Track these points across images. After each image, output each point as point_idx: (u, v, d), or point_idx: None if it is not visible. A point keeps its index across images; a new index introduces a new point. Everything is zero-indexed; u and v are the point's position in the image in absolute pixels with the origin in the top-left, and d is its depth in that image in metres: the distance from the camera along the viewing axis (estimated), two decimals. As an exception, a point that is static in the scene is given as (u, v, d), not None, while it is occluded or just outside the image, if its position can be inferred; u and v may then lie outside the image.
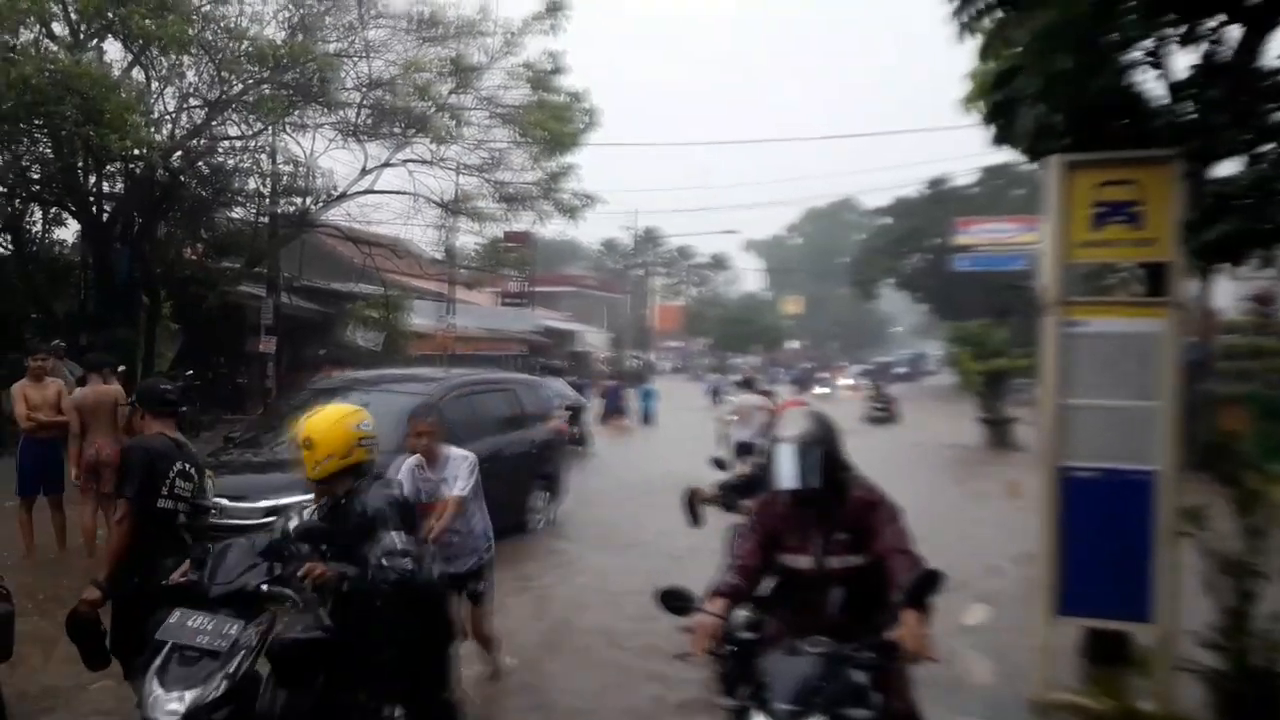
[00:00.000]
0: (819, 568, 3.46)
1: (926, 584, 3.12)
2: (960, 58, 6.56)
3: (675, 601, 3.45)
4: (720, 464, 5.65)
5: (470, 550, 5.45)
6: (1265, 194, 4.03)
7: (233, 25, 15.92)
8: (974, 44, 5.29)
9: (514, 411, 10.91)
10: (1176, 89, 4.61)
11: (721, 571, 3.53)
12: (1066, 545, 5.07)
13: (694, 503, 5.50)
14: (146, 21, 13.82)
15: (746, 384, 19.01)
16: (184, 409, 4.81)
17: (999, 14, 4.98)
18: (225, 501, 7.33)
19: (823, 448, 3.46)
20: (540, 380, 12.99)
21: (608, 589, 8.28)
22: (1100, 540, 4.99)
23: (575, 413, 19.65)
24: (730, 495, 5.51)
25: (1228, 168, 4.77)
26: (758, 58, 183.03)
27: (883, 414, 26.58)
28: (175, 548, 4.28)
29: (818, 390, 34.73)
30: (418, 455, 5.45)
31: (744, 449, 16.51)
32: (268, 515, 7.18)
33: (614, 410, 24.95)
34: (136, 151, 14.45)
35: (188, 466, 4.49)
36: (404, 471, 5.33)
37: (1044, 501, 5.12)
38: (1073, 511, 5.05)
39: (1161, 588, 4.84)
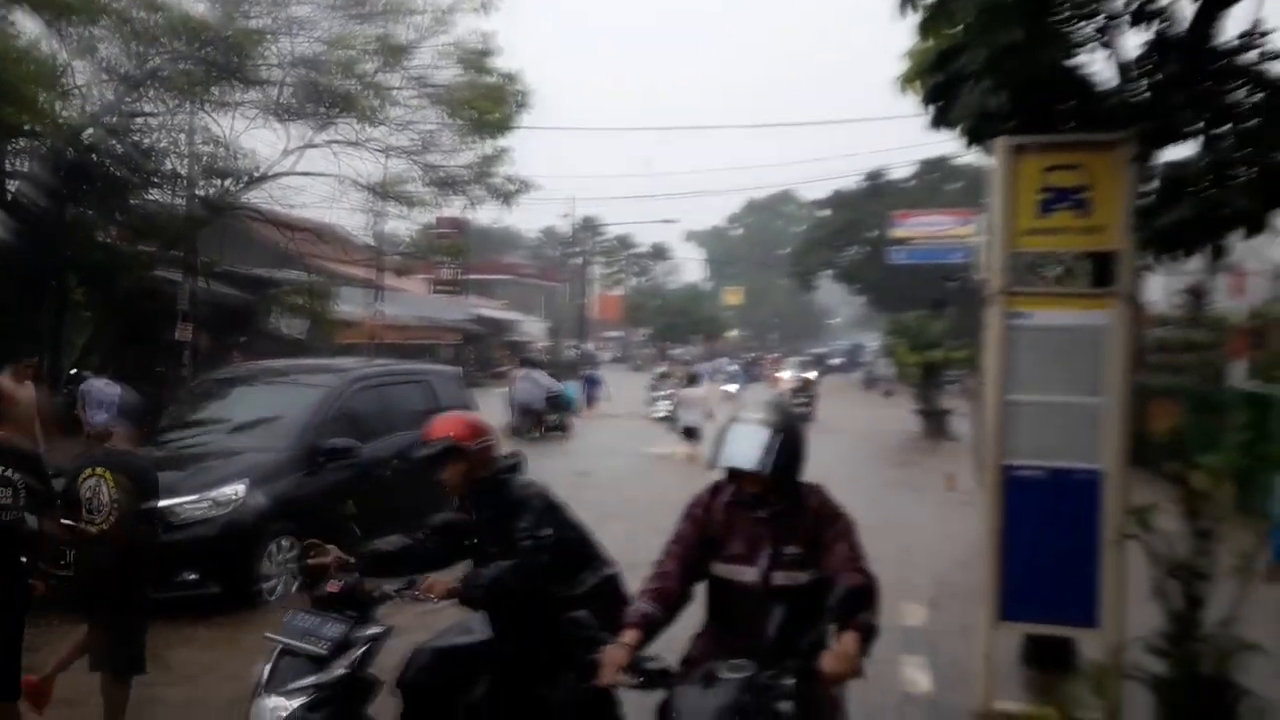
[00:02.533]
0: (764, 583, 3.04)
1: (855, 599, 2.79)
2: (898, 38, 6.31)
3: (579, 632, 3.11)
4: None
5: None
6: (1222, 178, 3.79)
7: (150, -3, 15.10)
8: (913, 21, 5.03)
9: (428, 405, 10.04)
10: (1128, 68, 4.38)
11: (636, 596, 3.12)
12: (1009, 547, 4.84)
13: (312, 567, 3.85)
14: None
15: (690, 379, 20.40)
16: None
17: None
18: None
19: (788, 437, 3.10)
20: (452, 371, 11.97)
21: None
22: (1045, 542, 4.78)
23: (556, 400, 21.00)
24: (373, 565, 3.89)
25: (1178, 152, 4.56)
26: (698, 45, 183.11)
27: (803, 411, 23.68)
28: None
29: (725, 388, 27.89)
30: None
31: (689, 432, 17.30)
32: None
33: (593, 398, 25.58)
34: (40, 128, 13.62)
35: (4, 471, 4.00)
36: None
37: (986, 502, 4.88)
38: (1016, 512, 4.82)
39: (1108, 592, 4.63)
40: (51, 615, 5.14)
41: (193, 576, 6.86)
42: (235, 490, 7.26)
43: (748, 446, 3.03)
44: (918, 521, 11.08)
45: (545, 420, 20.55)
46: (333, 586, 3.68)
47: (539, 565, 3.56)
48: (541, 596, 3.64)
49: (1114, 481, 4.60)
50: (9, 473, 4.00)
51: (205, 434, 8.47)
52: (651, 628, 2.99)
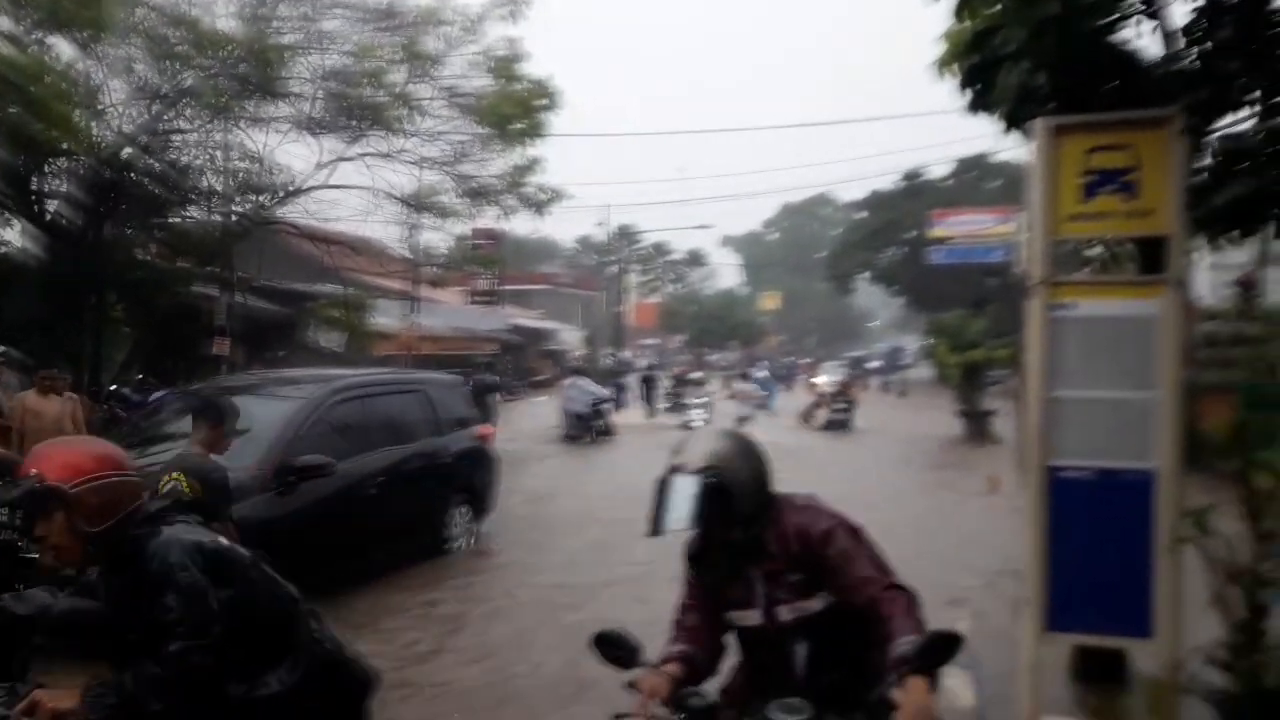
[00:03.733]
0: (770, 623, 2.73)
1: (941, 648, 2.36)
2: (933, 23, 6.09)
3: (615, 650, 2.70)
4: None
5: None
6: (1284, 149, 3.53)
7: (179, 15, 15.23)
8: (948, 3, 4.82)
9: (424, 416, 9.55)
10: (1175, 38, 4.11)
11: (669, 640, 2.83)
12: (1056, 553, 4.56)
13: None
14: (80, 9, 13.20)
15: (743, 376, 22.59)
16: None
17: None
18: None
19: (732, 476, 2.66)
20: (453, 379, 11.44)
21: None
22: (1093, 548, 4.49)
23: (599, 406, 21.93)
24: None
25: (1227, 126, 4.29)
26: (730, 52, 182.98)
27: (843, 417, 23.70)
28: None
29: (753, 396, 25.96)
30: None
31: (742, 419, 18.13)
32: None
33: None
34: (67, 145, 13.76)
35: None
36: None
37: (1030, 505, 4.61)
38: (1062, 516, 4.54)
39: (1162, 600, 4.34)
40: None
41: None
42: None
43: (682, 503, 2.62)
44: (959, 525, 10.79)
45: (594, 426, 21.33)
46: None
47: (192, 672, 2.48)
48: (213, 705, 2.61)
49: (1167, 482, 4.31)
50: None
51: (162, 454, 7.50)
52: (693, 667, 2.72)
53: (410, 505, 8.84)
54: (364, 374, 9.94)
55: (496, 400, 21.01)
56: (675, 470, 2.67)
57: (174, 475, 4.83)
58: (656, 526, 2.62)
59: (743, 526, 2.68)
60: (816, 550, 2.64)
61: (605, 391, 23.35)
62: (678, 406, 24.98)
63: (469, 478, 9.93)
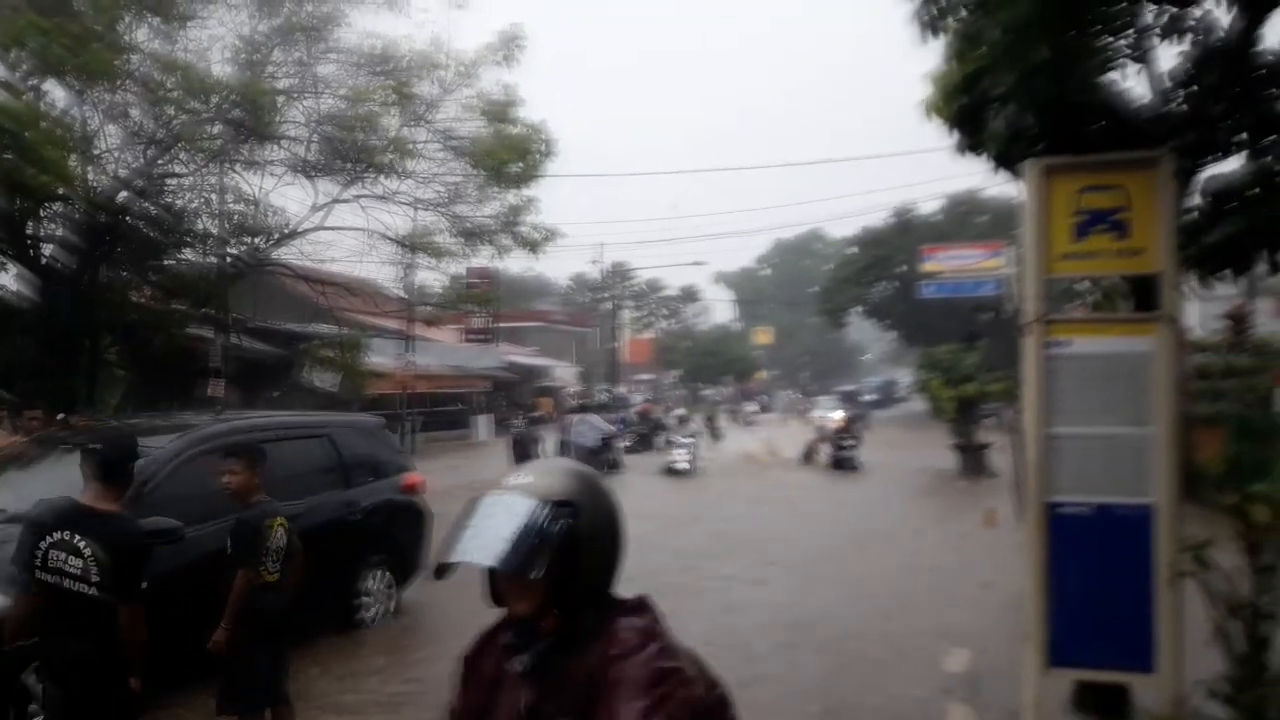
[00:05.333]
0: None
1: None
2: (921, 65, 6.19)
3: None
4: None
5: None
6: (1272, 189, 3.59)
7: (171, 60, 15.37)
8: (936, 47, 4.91)
9: (326, 466, 8.06)
10: (1162, 82, 4.20)
11: None
12: (1056, 589, 4.59)
13: None
14: (71, 55, 13.32)
15: (762, 409, 22.33)
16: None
17: (964, 12, 4.59)
18: None
19: (573, 514, 1.71)
20: (371, 421, 9.68)
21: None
22: (1094, 583, 4.52)
23: (608, 441, 22.97)
24: None
25: (1215, 168, 4.37)
26: (725, 85, 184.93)
27: (850, 455, 22.29)
28: (76, 626, 3.75)
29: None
30: None
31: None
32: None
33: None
34: (62, 190, 13.82)
35: (69, 537, 3.74)
36: None
37: (1030, 540, 4.64)
38: (1062, 552, 4.57)
39: (1164, 635, 4.36)
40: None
41: None
42: None
43: (493, 528, 1.69)
44: (958, 560, 10.76)
45: (604, 460, 21.88)
46: None
47: None
48: None
49: (1166, 516, 4.35)
50: (76, 540, 3.73)
51: None
52: None
53: (313, 569, 6.46)
54: (246, 419, 8.46)
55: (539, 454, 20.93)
56: (496, 489, 1.78)
57: (279, 521, 4.96)
58: (448, 557, 1.69)
59: (587, 604, 1.75)
60: (602, 675, 1.66)
61: (613, 428, 24.51)
62: (641, 445, 25.52)
63: (388, 535, 8.50)
